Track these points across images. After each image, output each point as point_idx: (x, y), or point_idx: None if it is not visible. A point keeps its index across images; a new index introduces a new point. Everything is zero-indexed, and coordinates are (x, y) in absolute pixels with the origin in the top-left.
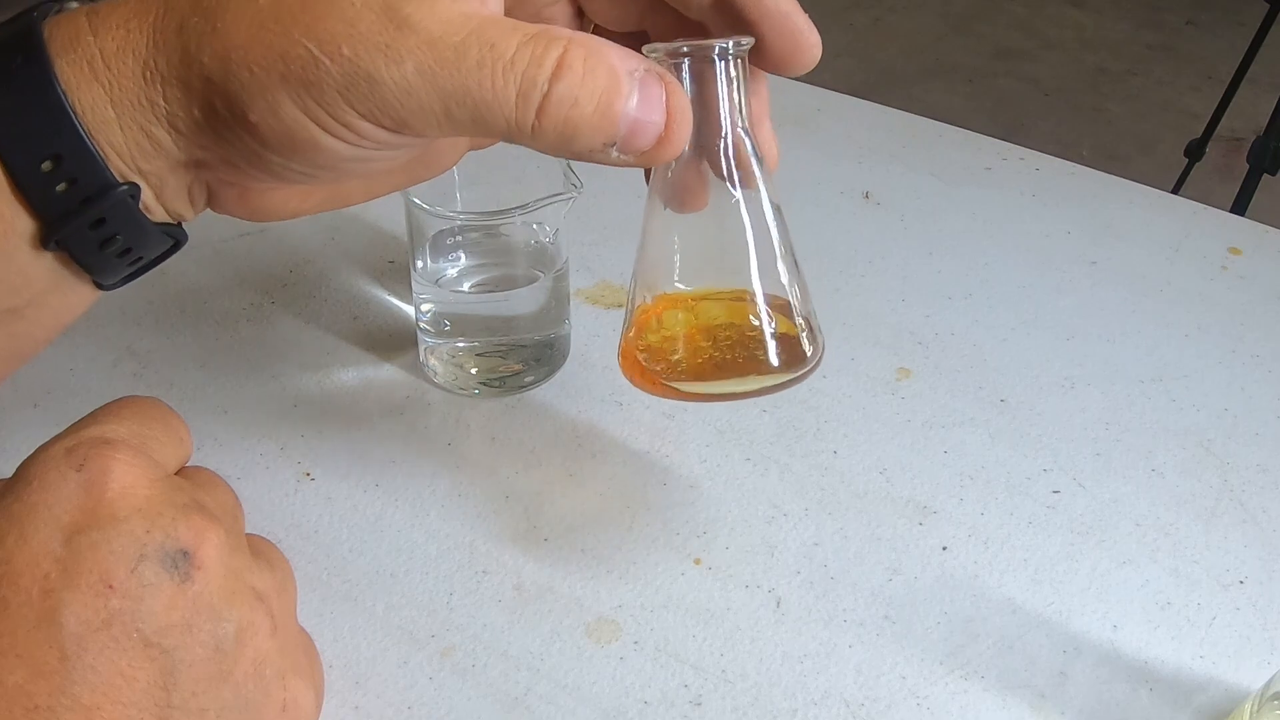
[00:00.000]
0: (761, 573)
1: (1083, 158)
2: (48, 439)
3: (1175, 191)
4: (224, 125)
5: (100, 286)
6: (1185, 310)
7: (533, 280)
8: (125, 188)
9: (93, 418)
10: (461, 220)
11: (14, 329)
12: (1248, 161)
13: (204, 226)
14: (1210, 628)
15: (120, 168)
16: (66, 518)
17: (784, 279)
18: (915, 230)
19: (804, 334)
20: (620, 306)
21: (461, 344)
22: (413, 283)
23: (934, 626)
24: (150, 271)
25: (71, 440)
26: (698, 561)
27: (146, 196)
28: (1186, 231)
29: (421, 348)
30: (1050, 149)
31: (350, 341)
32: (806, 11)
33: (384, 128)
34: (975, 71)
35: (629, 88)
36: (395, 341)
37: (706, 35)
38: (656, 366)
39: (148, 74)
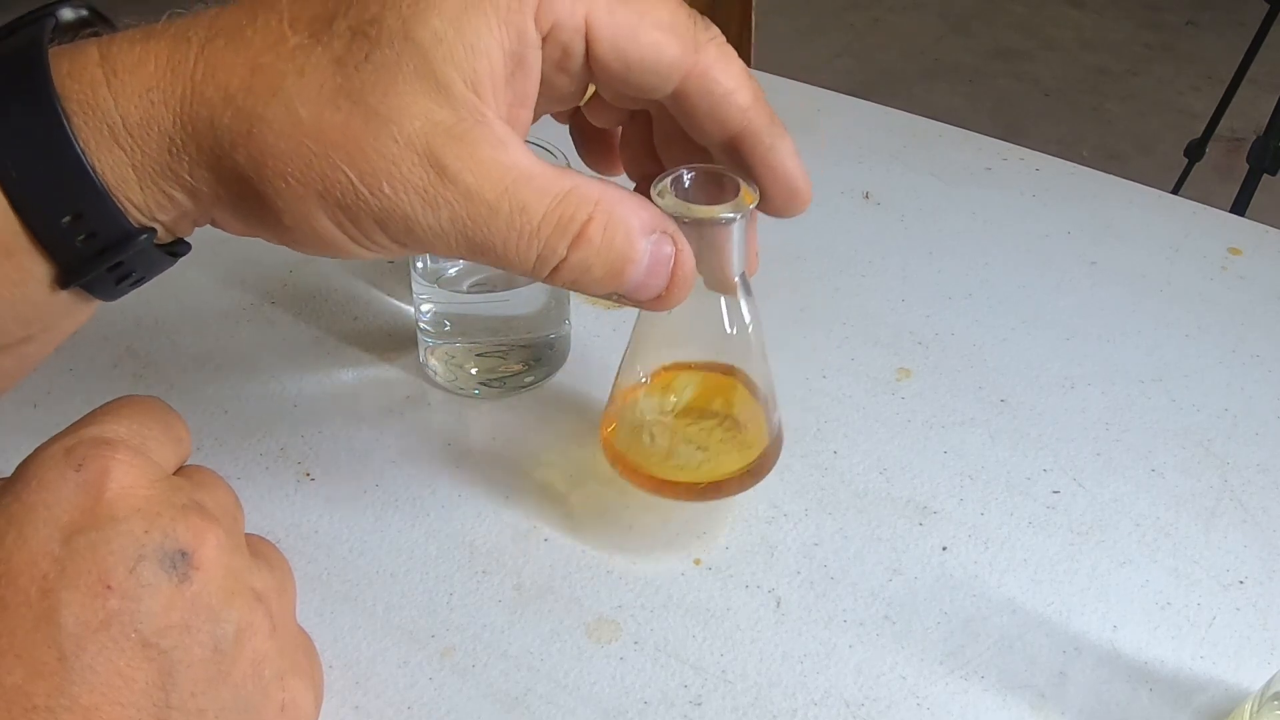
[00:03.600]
0: (761, 573)
1: (1083, 158)
2: (47, 439)
3: (1175, 191)
4: (252, 215)
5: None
6: (1185, 310)
7: (533, 280)
8: (145, 236)
9: (92, 417)
10: None
11: (24, 350)
12: (1248, 161)
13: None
14: (1210, 628)
15: (138, 218)
16: (65, 518)
17: (759, 383)
18: (915, 230)
19: (769, 431)
20: (621, 306)
21: (461, 344)
22: (413, 283)
23: (934, 626)
24: None
25: (71, 440)
26: (698, 562)
27: (160, 232)
28: (1186, 231)
29: (421, 348)
30: (1050, 149)
31: (350, 341)
32: (805, 11)
33: (409, 248)
34: (975, 71)
35: (641, 254)
36: (395, 341)
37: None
38: (627, 449)
39: (174, 150)
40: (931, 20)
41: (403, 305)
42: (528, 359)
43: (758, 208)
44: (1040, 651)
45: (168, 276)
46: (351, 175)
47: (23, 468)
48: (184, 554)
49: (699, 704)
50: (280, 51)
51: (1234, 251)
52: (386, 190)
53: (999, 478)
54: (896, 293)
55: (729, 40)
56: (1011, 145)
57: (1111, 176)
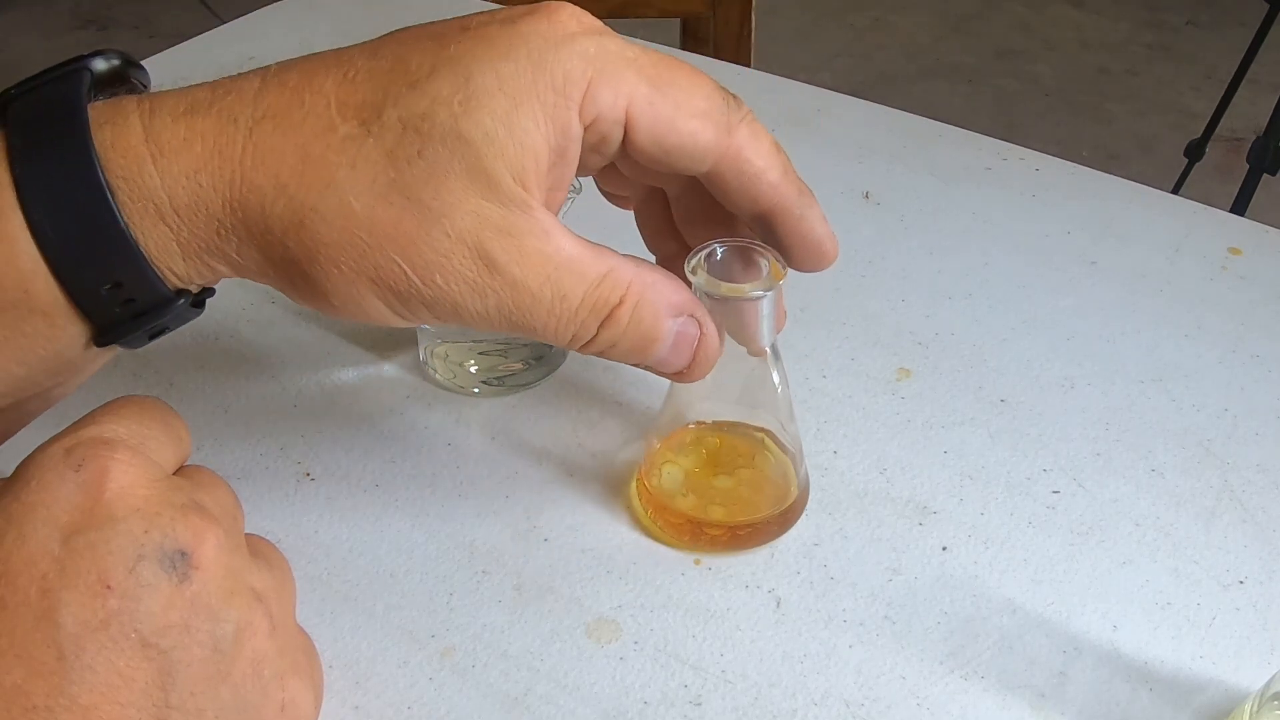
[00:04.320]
0: (761, 573)
1: (1083, 158)
2: (47, 439)
3: (1175, 191)
4: (294, 288)
5: None
6: (1185, 310)
7: None
8: (181, 301)
9: (91, 417)
10: None
11: (51, 394)
12: (1248, 161)
13: None
14: (1210, 628)
15: (175, 284)
16: (65, 518)
17: (787, 440)
18: (915, 230)
19: (797, 478)
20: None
21: (461, 342)
22: None
23: (934, 626)
24: None
25: (70, 440)
26: (698, 562)
27: (193, 289)
28: (1186, 231)
29: (421, 347)
30: (1050, 149)
31: (350, 341)
32: (805, 11)
33: (450, 324)
34: (975, 71)
35: (666, 335)
36: (395, 341)
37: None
38: (663, 498)
39: (221, 231)
40: (931, 20)
41: None
42: (528, 358)
43: (786, 265)
44: (1040, 651)
45: None
46: (405, 267)
47: (22, 468)
48: (183, 554)
49: (699, 704)
50: (330, 141)
51: (1234, 251)
52: (439, 281)
53: (999, 478)
54: (896, 293)
55: (729, 39)
56: (1011, 145)
57: (1111, 176)
